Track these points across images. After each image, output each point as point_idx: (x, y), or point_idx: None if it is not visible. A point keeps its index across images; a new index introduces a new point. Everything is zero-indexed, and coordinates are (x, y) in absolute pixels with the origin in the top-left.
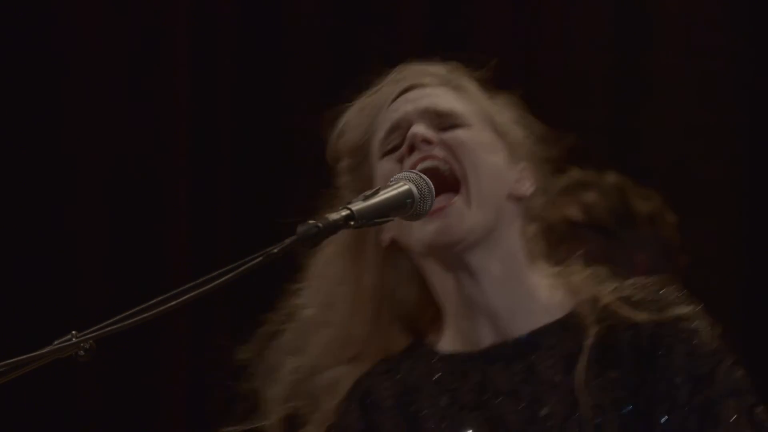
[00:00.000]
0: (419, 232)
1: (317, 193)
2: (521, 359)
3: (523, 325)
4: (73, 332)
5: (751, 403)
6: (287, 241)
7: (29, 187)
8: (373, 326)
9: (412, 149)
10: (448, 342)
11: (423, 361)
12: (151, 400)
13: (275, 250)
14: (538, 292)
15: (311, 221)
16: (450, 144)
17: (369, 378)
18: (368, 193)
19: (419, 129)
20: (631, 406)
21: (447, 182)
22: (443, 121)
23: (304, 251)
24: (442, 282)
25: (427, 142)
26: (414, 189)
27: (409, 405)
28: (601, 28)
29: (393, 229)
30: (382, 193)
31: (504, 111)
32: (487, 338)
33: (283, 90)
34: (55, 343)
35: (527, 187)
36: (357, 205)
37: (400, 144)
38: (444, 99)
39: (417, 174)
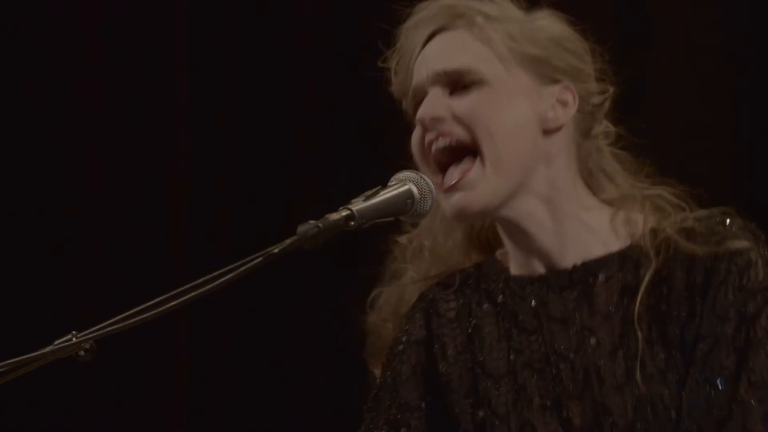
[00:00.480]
0: (444, 206)
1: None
2: (576, 287)
3: (576, 255)
4: (74, 332)
5: None
6: (287, 241)
7: (28, 187)
8: (460, 247)
9: (425, 129)
10: (514, 266)
11: (491, 279)
12: (151, 400)
13: (275, 251)
14: (595, 223)
15: (311, 221)
16: (460, 116)
17: (438, 288)
18: (369, 192)
19: (427, 111)
20: (678, 341)
21: (464, 149)
22: (456, 81)
23: (303, 252)
24: (491, 224)
25: (437, 120)
26: (414, 189)
27: (470, 321)
28: (601, 28)
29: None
30: (382, 193)
31: (543, 29)
32: (541, 268)
33: (284, 89)
34: (56, 343)
35: (564, 113)
36: (357, 205)
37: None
38: (455, 50)
39: (417, 174)
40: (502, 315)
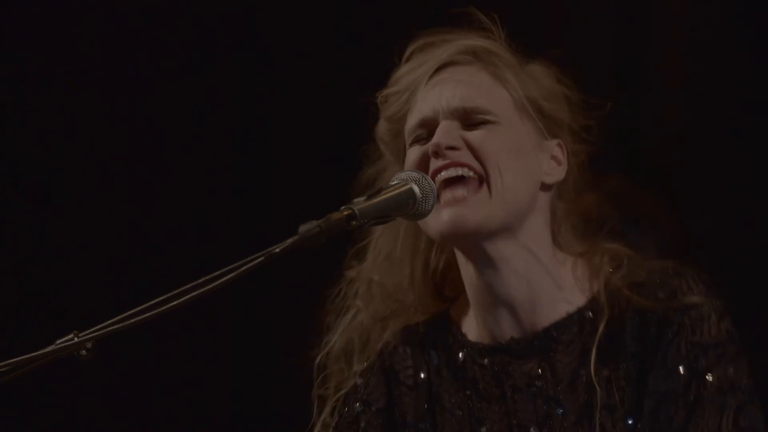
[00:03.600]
0: (434, 221)
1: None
2: (539, 355)
3: (544, 316)
4: (75, 332)
5: (742, 402)
6: (289, 240)
7: (29, 187)
8: (407, 283)
9: (437, 155)
10: (473, 330)
11: (448, 344)
12: (151, 400)
13: (277, 250)
14: (561, 280)
15: (313, 221)
16: (474, 147)
17: (394, 352)
18: (371, 192)
19: (443, 139)
20: (636, 402)
21: (472, 181)
22: (471, 117)
23: (304, 251)
24: (464, 268)
25: (452, 149)
26: (416, 189)
27: (430, 388)
28: (601, 28)
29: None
30: (384, 192)
31: (538, 83)
32: (508, 331)
33: (284, 89)
34: (57, 342)
35: (559, 170)
36: (359, 205)
37: (427, 136)
38: (474, 89)
39: (419, 173)
40: (461, 383)
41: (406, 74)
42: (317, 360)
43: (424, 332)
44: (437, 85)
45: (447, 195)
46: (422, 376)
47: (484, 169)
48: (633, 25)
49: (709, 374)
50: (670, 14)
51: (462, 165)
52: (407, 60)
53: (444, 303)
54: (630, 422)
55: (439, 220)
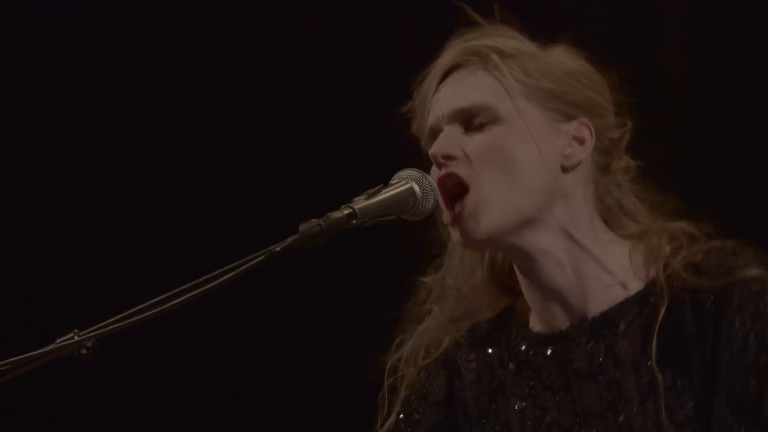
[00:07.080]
0: (452, 235)
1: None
2: (600, 339)
3: (598, 302)
4: (75, 330)
5: None
6: (289, 239)
7: (29, 187)
8: (481, 283)
9: (438, 165)
10: (534, 320)
11: (510, 336)
12: (151, 400)
13: (277, 249)
14: (613, 264)
15: (314, 219)
16: (471, 155)
17: (458, 347)
18: (371, 191)
19: (439, 148)
20: (702, 386)
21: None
22: (471, 118)
23: (305, 250)
24: (513, 263)
25: (449, 157)
26: (416, 188)
27: (493, 380)
28: (602, 28)
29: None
30: (384, 191)
31: (559, 63)
32: (563, 320)
33: (285, 89)
34: (58, 341)
35: (581, 150)
36: (359, 204)
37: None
38: (471, 88)
39: (419, 172)
40: (525, 373)
41: (422, 86)
42: (389, 364)
43: (489, 326)
44: (441, 91)
45: (447, 214)
46: (485, 369)
47: (480, 178)
48: (633, 25)
49: None
50: (670, 14)
51: (458, 177)
52: (429, 70)
53: (512, 297)
54: (696, 404)
55: (453, 237)
